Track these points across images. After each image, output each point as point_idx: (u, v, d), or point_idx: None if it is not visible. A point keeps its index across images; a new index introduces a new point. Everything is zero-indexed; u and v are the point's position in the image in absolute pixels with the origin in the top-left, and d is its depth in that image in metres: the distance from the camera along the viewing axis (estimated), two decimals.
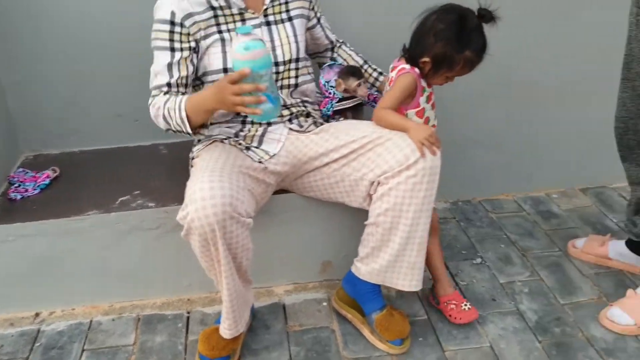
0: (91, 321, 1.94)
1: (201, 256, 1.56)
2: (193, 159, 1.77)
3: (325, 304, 1.99)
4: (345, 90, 1.86)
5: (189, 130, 1.58)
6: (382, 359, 1.77)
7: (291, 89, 1.80)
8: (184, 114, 1.55)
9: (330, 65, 1.92)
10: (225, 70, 1.67)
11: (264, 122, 1.74)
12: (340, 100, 1.88)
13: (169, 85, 1.64)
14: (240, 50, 1.40)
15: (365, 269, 1.78)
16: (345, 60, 1.97)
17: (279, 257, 2.03)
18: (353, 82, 1.84)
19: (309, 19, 1.85)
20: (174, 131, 1.64)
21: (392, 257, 1.71)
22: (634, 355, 1.76)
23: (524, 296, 2.01)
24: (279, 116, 1.75)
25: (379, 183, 1.65)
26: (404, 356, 1.78)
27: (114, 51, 2.14)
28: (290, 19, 1.75)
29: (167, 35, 1.61)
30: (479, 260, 2.20)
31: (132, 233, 1.89)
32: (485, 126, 2.46)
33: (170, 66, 1.62)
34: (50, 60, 2.14)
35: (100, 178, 2.06)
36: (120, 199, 1.93)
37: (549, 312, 1.93)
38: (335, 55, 2.00)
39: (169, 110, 1.58)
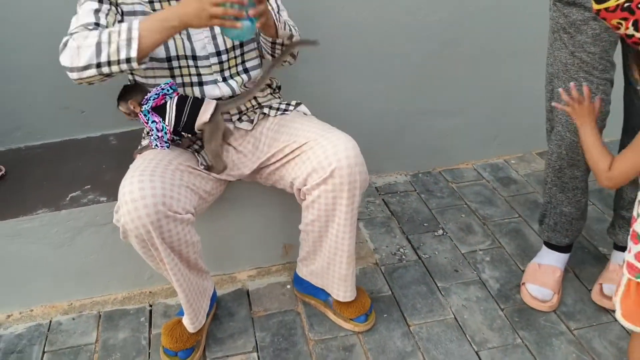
0: (51, 321, 1.89)
1: (144, 257, 1.52)
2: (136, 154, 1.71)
3: (289, 286, 1.98)
4: (130, 116, 1.63)
5: (133, 55, 1.35)
6: (349, 338, 1.77)
7: (243, 80, 1.69)
8: (135, 34, 1.35)
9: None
10: (168, 59, 1.58)
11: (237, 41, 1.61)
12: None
13: (97, 24, 1.42)
14: None
15: (306, 270, 1.83)
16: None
17: (240, 242, 2.00)
18: (124, 106, 1.60)
19: None
20: (89, 73, 1.39)
21: (325, 264, 1.73)
22: (593, 317, 1.79)
23: (486, 265, 2.03)
24: (227, 113, 1.70)
25: (305, 193, 1.63)
26: (369, 333, 1.78)
27: (55, 42, 2.04)
28: None
29: None
30: (440, 231, 2.21)
31: (86, 229, 1.84)
32: (441, 94, 2.45)
33: (97, 12, 1.45)
34: None
35: (49, 174, 1.99)
36: (71, 195, 1.87)
37: (511, 279, 1.96)
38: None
39: (109, 34, 1.35)
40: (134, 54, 1.36)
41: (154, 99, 1.57)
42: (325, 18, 2.18)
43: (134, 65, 1.38)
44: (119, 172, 1.63)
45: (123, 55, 1.36)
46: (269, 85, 1.81)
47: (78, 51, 1.37)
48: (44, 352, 1.78)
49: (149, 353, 1.76)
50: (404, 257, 2.09)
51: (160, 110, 1.58)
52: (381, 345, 1.74)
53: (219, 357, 1.72)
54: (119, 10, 1.53)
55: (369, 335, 1.78)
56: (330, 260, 1.71)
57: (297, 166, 1.61)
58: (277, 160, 1.66)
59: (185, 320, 1.68)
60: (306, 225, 1.69)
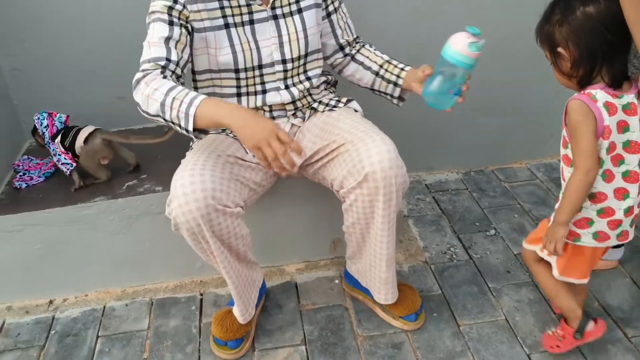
0: (104, 307, 1.94)
1: (195, 249, 1.54)
2: (190, 148, 1.73)
3: (337, 281, 1.98)
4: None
5: (190, 128, 1.37)
6: (397, 336, 1.76)
7: (305, 87, 1.69)
8: (192, 111, 1.35)
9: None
10: (236, 70, 1.59)
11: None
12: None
13: (168, 60, 1.46)
14: (474, 48, 1.44)
15: (354, 267, 1.83)
16: (362, 62, 1.77)
17: (289, 236, 2.01)
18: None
19: (322, 8, 1.68)
20: (160, 121, 1.43)
21: (367, 265, 1.73)
22: None
23: None
24: (283, 109, 1.71)
25: (342, 196, 1.61)
26: (418, 331, 1.77)
27: (114, 34, 2.10)
28: (300, 10, 1.62)
29: (165, 9, 1.48)
30: (492, 231, 2.17)
31: (142, 218, 1.88)
32: (495, 92, 2.40)
33: (167, 40, 1.47)
34: (50, 45, 2.11)
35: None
36: (127, 184, 1.92)
37: None
38: (349, 58, 1.79)
39: (173, 99, 1.37)
40: (190, 127, 1.37)
41: (47, 130, 1.93)
42: (377, 14, 2.16)
43: (192, 136, 1.40)
44: (174, 162, 1.66)
45: (182, 124, 1.38)
46: (326, 81, 1.81)
47: (147, 101, 1.41)
48: (97, 337, 1.83)
49: (200, 341, 1.78)
50: (454, 256, 2.06)
51: (54, 137, 1.92)
52: (430, 344, 1.72)
53: (268, 349, 1.74)
54: (189, 27, 1.53)
55: (418, 334, 1.76)
56: (372, 262, 1.70)
57: (335, 168, 1.60)
58: (319, 159, 1.65)
59: (236, 311, 1.70)
60: (347, 227, 1.69)
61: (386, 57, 1.76)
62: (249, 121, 1.35)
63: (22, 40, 2.08)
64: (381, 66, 1.74)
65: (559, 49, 1.35)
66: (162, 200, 1.84)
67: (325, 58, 1.79)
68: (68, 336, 1.84)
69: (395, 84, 1.72)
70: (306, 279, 2.00)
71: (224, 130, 1.70)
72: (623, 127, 1.37)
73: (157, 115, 1.41)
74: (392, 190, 1.51)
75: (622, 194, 1.43)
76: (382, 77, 1.73)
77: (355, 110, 1.75)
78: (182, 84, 1.51)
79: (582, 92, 1.36)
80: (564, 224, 1.46)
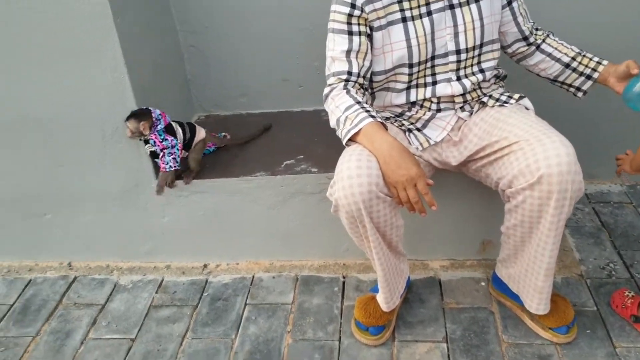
0: (253, 277, 2.04)
1: (350, 232, 1.56)
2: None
3: (483, 283, 1.93)
4: (133, 134, 1.85)
5: (343, 143, 1.53)
6: (545, 348, 1.68)
7: (478, 79, 1.66)
8: (353, 132, 1.47)
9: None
10: (410, 65, 1.59)
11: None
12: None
13: (349, 73, 1.56)
14: None
15: (505, 272, 1.77)
16: (551, 53, 1.72)
17: (437, 231, 1.98)
18: (134, 124, 1.83)
19: None
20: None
21: (523, 270, 1.66)
22: None
23: None
24: (451, 102, 1.68)
25: (509, 196, 1.54)
26: (569, 346, 1.67)
27: (285, 18, 2.17)
28: None
29: (345, 18, 1.53)
30: None
31: (296, 196, 1.95)
32: None
33: (348, 53, 1.55)
34: (227, 25, 2.22)
35: (266, 141, 2.13)
36: (286, 162, 1.99)
37: None
38: (533, 48, 1.74)
39: (346, 118, 1.49)
40: (344, 143, 1.52)
41: (162, 121, 1.87)
42: (553, 13, 2.06)
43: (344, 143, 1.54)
44: (330, 147, 1.69)
45: (339, 134, 1.53)
46: (496, 75, 1.75)
47: (331, 115, 1.56)
48: (245, 304, 1.92)
49: (341, 323, 1.82)
50: (613, 272, 1.92)
51: (168, 130, 1.89)
52: None
53: (408, 341, 1.73)
54: (369, 30, 1.56)
55: (568, 349, 1.67)
56: (529, 268, 1.63)
57: (504, 166, 1.53)
58: (485, 156, 1.60)
59: (380, 298, 1.71)
60: (507, 228, 1.62)
61: (577, 49, 1.71)
62: (395, 161, 1.42)
63: (203, 19, 2.22)
64: (573, 58, 1.70)
65: None
66: (316, 181, 1.90)
67: (505, 47, 1.75)
68: (219, 300, 1.95)
69: (589, 77, 1.69)
70: (450, 277, 1.97)
71: (387, 119, 1.71)
72: None
73: (335, 128, 1.55)
74: (566, 196, 1.43)
75: None
76: (574, 70, 1.70)
77: (527, 108, 1.68)
78: (366, 89, 1.62)
79: None
80: None
